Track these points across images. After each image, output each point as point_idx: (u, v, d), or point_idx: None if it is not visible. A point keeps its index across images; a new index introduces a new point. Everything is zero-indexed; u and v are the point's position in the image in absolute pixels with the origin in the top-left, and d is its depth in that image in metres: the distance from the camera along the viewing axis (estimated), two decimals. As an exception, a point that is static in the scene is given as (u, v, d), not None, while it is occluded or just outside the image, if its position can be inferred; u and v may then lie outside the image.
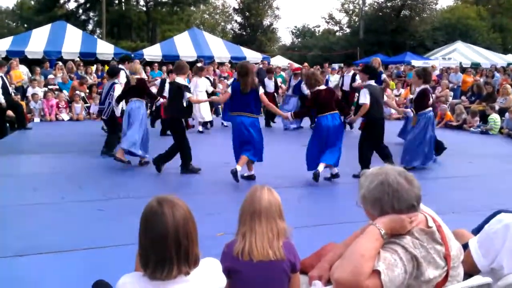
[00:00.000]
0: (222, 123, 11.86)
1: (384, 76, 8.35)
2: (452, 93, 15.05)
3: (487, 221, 2.30)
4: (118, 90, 7.46)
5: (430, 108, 6.99)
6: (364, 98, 6.29)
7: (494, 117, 11.25)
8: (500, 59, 22.67)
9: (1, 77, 9.69)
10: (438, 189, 5.90)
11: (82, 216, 4.66)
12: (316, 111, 6.16)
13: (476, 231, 2.45)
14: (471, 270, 2.02)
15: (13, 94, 11.10)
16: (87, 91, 13.69)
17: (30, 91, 12.85)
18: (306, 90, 10.83)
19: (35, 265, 3.50)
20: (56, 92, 13.08)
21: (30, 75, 14.12)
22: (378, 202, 1.77)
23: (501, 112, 11.64)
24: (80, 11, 39.33)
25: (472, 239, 2.15)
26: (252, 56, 19.05)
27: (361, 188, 1.85)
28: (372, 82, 6.63)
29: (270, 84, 11.90)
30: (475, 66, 20.64)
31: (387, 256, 1.67)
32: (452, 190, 6.04)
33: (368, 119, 6.42)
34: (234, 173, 5.85)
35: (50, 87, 13.55)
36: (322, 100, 6.05)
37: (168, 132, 7.76)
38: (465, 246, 2.05)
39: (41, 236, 4.06)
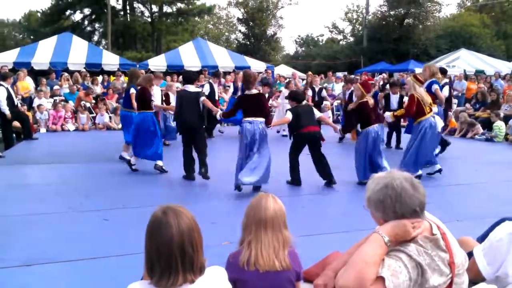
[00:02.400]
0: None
1: (435, 86, 7.17)
2: (456, 101, 15.03)
3: (491, 229, 2.30)
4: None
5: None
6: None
7: (499, 125, 11.22)
8: (504, 66, 22.62)
9: (7, 88, 9.79)
10: (443, 196, 5.88)
11: (88, 226, 4.68)
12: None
13: (481, 239, 2.45)
14: (476, 278, 2.03)
15: (19, 105, 11.20)
16: (93, 101, 13.80)
17: (36, 102, 12.97)
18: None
19: (42, 275, 3.52)
20: (62, 103, 13.19)
21: (34, 85, 14.28)
22: (381, 204, 1.79)
23: (506, 119, 11.61)
24: (86, 22, 39.78)
25: (477, 247, 2.16)
26: (256, 65, 19.12)
27: (367, 191, 1.88)
28: (189, 87, 6.70)
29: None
30: (479, 74, 20.60)
31: (391, 263, 1.68)
32: (457, 197, 6.02)
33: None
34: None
35: (55, 98, 13.67)
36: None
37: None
38: (470, 254, 2.06)
39: (48, 245, 4.09)
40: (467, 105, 14.27)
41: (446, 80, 8.38)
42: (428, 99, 6.46)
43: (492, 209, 5.23)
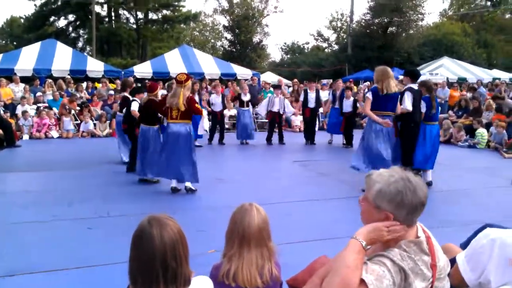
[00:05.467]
0: None
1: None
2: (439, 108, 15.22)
3: (474, 235, 2.33)
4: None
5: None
6: None
7: (481, 131, 11.43)
8: (486, 74, 23.09)
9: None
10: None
11: (72, 235, 4.62)
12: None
13: (464, 245, 2.48)
14: (459, 285, 2.06)
15: (2, 111, 11.05)
16: (78, 108, 13.67)
17: (19, 109, 12.80)
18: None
19: (25, 285, 3.46)
20: (46, 110, 13.03)
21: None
22: (400, 195, 1.78)
23: (488, 126, 11.85)
24: (70, 28, 39.49)
25: (459, 253, 2.18)
26: (242, 72, 19.17)
27: (376, 183, 1.83)
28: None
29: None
30: (462, 81, 21.00)
31: (375, 268, 1.71)
32: (440, 204, 6.09)
33: None
34: None
35: (39, 105, 13.51)
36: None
37: None
38: (453, 261, 2.09)
39: (31, 255, 4.02)
40: (450, 112, 14.52)
41: (410, 86, 6.79)
42: (177, 103, 6.08)
43: (475, 216, 5.33)
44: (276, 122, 11.69)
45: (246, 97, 11.80)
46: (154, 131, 7.04)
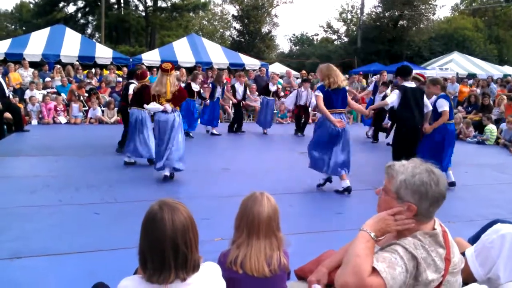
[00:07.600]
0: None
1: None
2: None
3: (483, 230, 2.32)
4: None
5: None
6: None
7: (491, 128, 11.33)
8: (496, 70, 22.82)
9: (-2, 79, 9.69)
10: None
11: (78, 219, 4.65)
12: None
13: (473, 240, 2.47)
14: (467, 279, 2.04)
15: (11, 96, 11.09)
16: (86, 94, 13.68)
17: (28, 94, 12.84)
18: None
19: (31, 268, 3.49)
20: (54, 95, 13.06)
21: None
22: (424, 187, 1.77)
23: (497, 122, 11.76)
24: (79, 15, 39.39)
25: (468, 248, 2.17)
26: (251, 62, 19.09)
27: (400, 174, 1.80)
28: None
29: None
30: (472, 77, 20.78)
31: (386, 256, 1.70)
32: (448, 199, 6.00)
33: None
34: None
35: (48, 90, 13.54)
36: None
37: None
38: (462, 255, 2.07)
39: (38, 238, 4.06)
40: (459, 107, 14.41)
41: (403, 85, 6.53)
42: (165, 92, 6.08)
43: (482, 211, 5.31)
44: (302, 116, 11.78)
45: (273, 87, 11.95)
46: (143, 114, 7.31)
